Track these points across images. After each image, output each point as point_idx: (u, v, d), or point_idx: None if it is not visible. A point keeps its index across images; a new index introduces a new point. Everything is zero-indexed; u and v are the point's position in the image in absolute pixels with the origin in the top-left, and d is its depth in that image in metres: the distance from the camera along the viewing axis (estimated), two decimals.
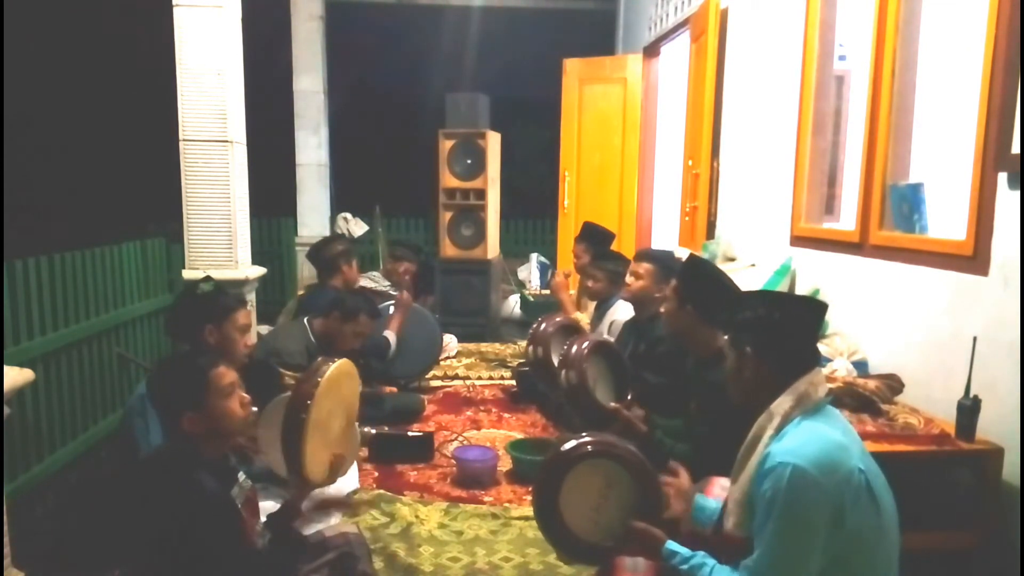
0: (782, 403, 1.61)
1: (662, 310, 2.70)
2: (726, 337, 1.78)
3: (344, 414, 2.32)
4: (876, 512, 1.54)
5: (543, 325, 3.79)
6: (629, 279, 3.39)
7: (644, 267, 3.32)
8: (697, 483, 2.07)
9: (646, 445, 2.39)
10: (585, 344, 2.94)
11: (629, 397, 2.89)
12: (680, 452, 2.44)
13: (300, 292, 5.13)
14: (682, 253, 4.24)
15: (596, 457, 1.88)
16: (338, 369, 2.16)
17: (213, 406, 1.74)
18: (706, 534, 1.82)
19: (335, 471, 2.19)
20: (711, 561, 1.63)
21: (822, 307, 1.72)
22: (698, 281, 2.52)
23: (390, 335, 4.14)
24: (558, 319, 3.89)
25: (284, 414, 2.06)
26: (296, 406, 2.02)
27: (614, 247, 4.51)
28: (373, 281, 5.11)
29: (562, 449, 1.92)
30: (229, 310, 2.53)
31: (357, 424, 2.54)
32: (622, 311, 3.73)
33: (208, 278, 2.80)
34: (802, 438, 1.54)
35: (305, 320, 3.35)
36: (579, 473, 1.86)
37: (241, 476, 1.85)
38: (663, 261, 3.36)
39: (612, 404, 2.77)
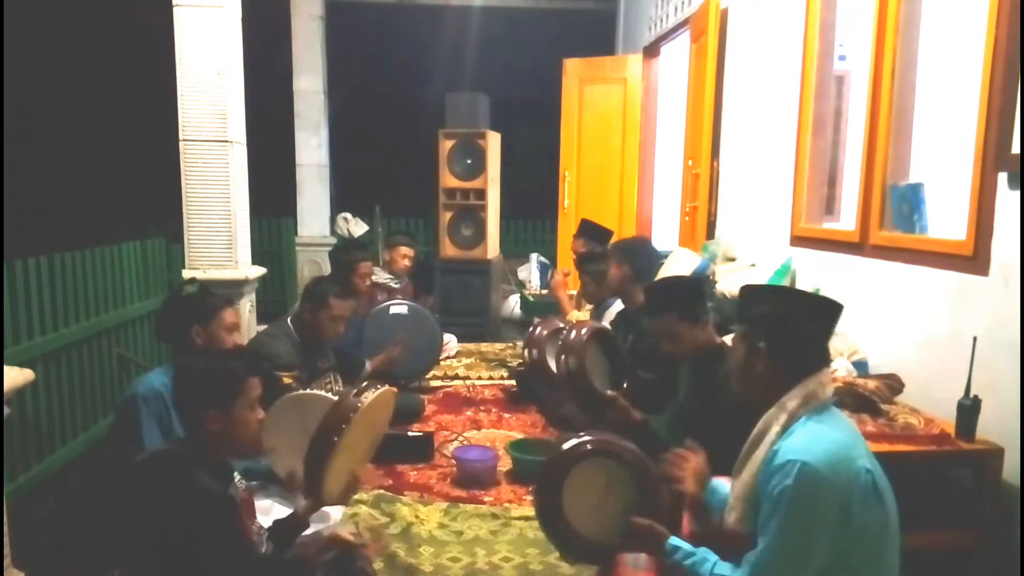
0: (791, 400, 1.61)
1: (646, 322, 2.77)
2: (738, 329, 1.77)
3: (370, 439, 2.29)
4: (882, 511, 1.54)
5: (538, 329, 3.80)
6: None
7: (612, 262, 3.51)
8: None
9: (642, 434, 2.39)
10: (585, 330, 2.94)
11: (625, 386, 2.90)
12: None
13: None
14: (680, 253, 4.25)
15: (595, 456, 1.88)
16: (380, 398, 2.12)
17: (238, 412, 1.77)
18: (710, 531, 1.81)
19: (349, 492, 2.16)
20: (713, 556, 1.64)
21: (837, 307, 1.70)
22: (666, 291, 2.56)
23: (368, 364, 3.92)
24: (554, 323, 3.89)
25: (315, 432, 2.02)
26: (329, 427, 1.98)
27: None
28: (375, 275, 5.08)
29: (562, 449, 1.92)
30: (215, 310, 2.50)
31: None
32: (620, 310, 3.74)
33: (192, 280, 2.78)
34: (810, 436, 1.54)
35: (288, 320, 3.32)
36: (579, 473, 1.86)
37: (236, 477, 1.85)
38: (618, 249, 3.60)
39: (609, 392, 2.77)
